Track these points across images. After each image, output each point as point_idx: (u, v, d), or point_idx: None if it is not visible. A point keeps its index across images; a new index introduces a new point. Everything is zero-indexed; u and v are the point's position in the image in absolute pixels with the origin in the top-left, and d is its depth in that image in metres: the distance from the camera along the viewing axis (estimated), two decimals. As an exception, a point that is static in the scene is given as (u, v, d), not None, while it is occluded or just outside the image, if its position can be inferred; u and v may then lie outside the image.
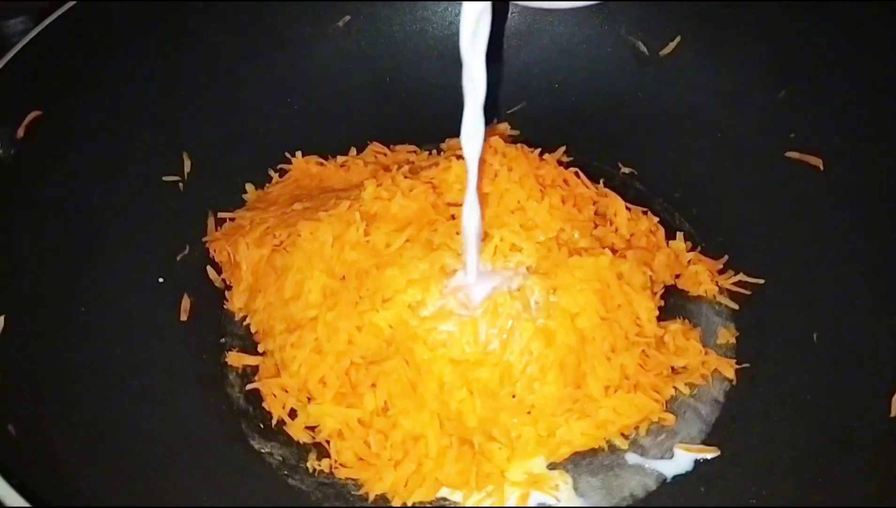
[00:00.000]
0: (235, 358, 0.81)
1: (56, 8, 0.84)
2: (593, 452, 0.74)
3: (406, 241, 0.76)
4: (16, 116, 0.77)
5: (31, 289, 0.75)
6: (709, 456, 0.74)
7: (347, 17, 0.99)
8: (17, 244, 0.75)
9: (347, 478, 0.73)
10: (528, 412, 0.71)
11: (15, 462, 0.60)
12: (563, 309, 0.72)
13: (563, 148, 0.89)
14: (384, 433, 0.71)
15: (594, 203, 0.84)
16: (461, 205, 0.80)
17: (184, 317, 0.84)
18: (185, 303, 0.84)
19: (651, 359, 0.75)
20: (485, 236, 0.78)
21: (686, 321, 0.82)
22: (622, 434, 0.75)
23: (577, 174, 0.86)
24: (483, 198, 0.80)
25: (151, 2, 0.88)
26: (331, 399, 0.73)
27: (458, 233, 0.78)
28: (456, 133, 0.94)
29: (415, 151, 0.96)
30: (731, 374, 0.79)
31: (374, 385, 0.72)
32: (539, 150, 0.86)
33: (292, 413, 0.76)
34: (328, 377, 0.74)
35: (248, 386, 0.79)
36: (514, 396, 0.71)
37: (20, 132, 0.77)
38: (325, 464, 0.74)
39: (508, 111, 1.00)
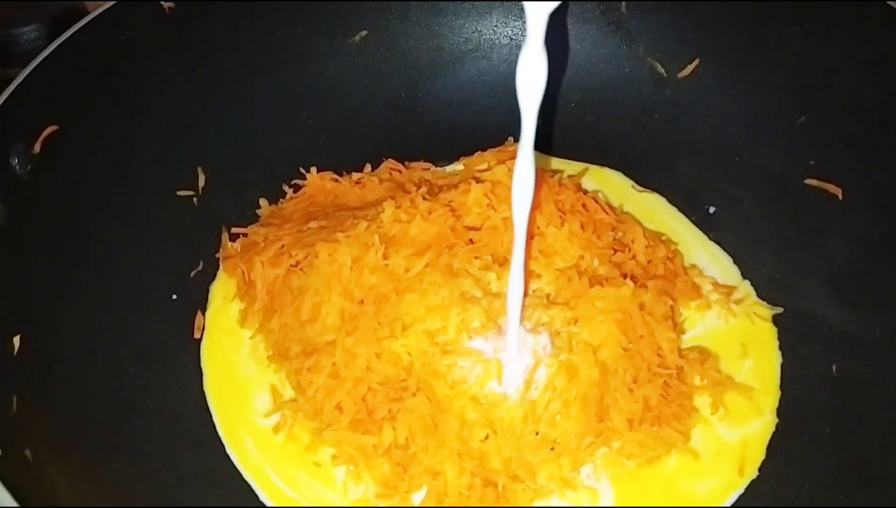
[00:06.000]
0: (250, 378, 0.80)
1: (70, 20, 0.83)
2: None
3: (425, 266, 0.75)
4: (32, 132, 0.76)
5: (45, 307, 0.74)
6: (727, 490, 0.74)
7: (363, 33, 0.98)
8: (31, 261, 0.74)
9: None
10: (552, 448, 0.70)
11: (32, 489, 0.59)
12: (586, 342, 0.71)
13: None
14: (402, 465, 0.71)
15: (613, 229, 0.83)
16: (480, 229, 0.80)
17: (198, 335, 0.83)
18: (199, 321, 0.84)
19: (673, 389, 0.74)
20: (503, 262, 0.77)
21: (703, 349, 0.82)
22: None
23: (595, 199, 0.85)
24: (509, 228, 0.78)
25: (166, 17, 0.87)
26: (347, 426, 0.72)
27: (476, 257, 0.77)
28: (471, 150, 0.95)
29: (429, 168, 0.95)
30: (749, 404, 0.79)
31: (392, 416, 0.71)
32: (558, 175, 0.85)
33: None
34: (345, 402, 0.73)
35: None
36: (537, 433, 0.70)
37: (36, 148, 0.76)
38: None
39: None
